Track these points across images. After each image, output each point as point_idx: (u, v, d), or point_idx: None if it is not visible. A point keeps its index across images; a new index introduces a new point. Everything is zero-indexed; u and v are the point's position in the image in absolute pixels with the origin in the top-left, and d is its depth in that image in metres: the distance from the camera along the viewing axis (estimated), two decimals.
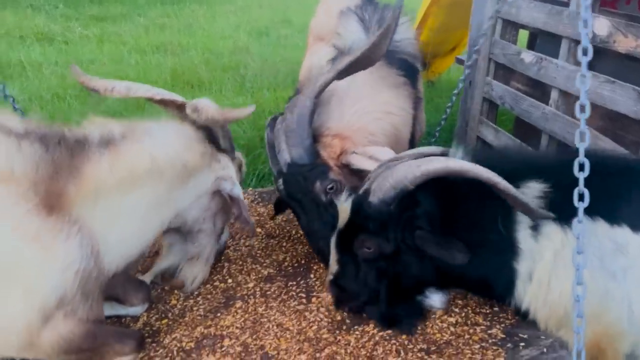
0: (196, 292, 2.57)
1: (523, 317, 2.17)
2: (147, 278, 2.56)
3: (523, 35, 4.30)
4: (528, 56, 3.53)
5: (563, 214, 2.02)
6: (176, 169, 2.07)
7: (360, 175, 2.53)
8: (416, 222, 2.09)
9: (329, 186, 2.48)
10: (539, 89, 3.65)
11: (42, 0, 9.56)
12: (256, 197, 3.42)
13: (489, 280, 2.17)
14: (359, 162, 2.48)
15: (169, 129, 2.16)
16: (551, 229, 2.05)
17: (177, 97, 2.33)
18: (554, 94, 3.33)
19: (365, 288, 2.21)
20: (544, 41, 3.90)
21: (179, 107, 2.31)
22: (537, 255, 2.06)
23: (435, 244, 2.05)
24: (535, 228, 2.04)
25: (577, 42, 3.10)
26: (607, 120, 3.15)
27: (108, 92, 2.25)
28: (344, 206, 2.17)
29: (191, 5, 10.67)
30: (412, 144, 3.15)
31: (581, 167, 1.95)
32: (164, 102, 2.31)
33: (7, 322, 1.73)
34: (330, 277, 2.27)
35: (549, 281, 2.06)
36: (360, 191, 2.15)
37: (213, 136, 2.35)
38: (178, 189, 2.14)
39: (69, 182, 1.78)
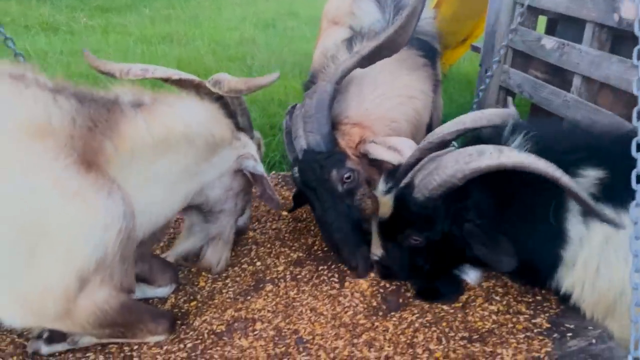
0: (224, 275, 2.45)
1: (563, 301, 2.12)
2: (170, 259, 2.43)
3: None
4: (549, 42, 3.44)
5: (617, 197, 1.93)
6: (205, 139, 2.02)
7: (378, 165, 2.44)
8: (465, 214, 2.00)
9: (346, 175, 2.34)
10: (558, 76, 3.57)
11: None
12: (279, 180, 3.30)
13: (532, 266, 2.09)
14: (378, 152, 2.37)
15: (194, 101, 2.10)
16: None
17: (195, 77, 2.25)
18: (577, 81, 3.25)
19: (410, 269, 2.19)
20: (564, 27, 3.82)
21: (197, 87, 2.24)
22: (586, 241, 1.97)
23: (482, 244, 1.97)
24: (586, 214, 1.94)
25: (602, 26, 3.04)
26: (630, 108, 3.08)
27: (124, 75, 2.16)
28: (385, 199, 2.09)
29: None
30: (430, 130, 3.04)
31: (639, 148, 1.87)
32: (181, 83, 2.23)
33: (45, 285, 1.61)
34: (375, 258, 2.26)
35: (597, 267, 1.97)
36: (403, 184, 2.05)
37: (231, 115, 2.29)
38: (205, 161, 2.08)
39: (106, 138, 1.69)
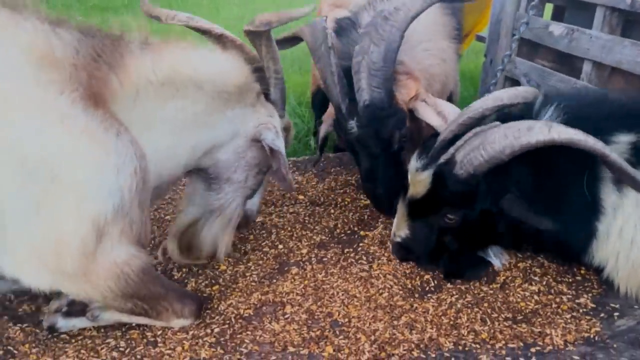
0: (245, 258, 2.25)
1: (597, 272, 2.01)
2: (170, 245, 2.15)
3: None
4: (558, 29, 3.30)
5: None
6: (218, 88, 1.80)
7: (419, 123, 2.32)
8: (507, 189, 1.87)
9: (404, 134, 2.25)
10: (567, 64, 3.44)
11: None
12: (290, 166, 3.11)
13: (566, 239, 1.97)
14: (427, 114, 2.23)
15: (215, 52, 1.91)
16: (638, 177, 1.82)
17: (236, 38, 2.08)
18: (587, 67, 3.12)
19: (435, 250, 2.05)
20: (572, 13, 3.70)
21: (239, 47, 2.07)
22: (619, 211, 1.87)
23: (524, 209, 1.83)
24: (619, 181, 1.81)
25: (613, 9, 2.92)
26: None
27: (169, 20, 2.04)
28: (422, 177, 1.92)
29: None
30: (450, 100, 2.92)
31: None
32: (222, 39, 2.06)
33: (59, 236, 1.42)
34: (398, 239, 2.08)
35: (632, 237, 1.85)
36: (443, 160, 1.88)
37: (264, 82, 2.08)
38: (217, 112, 1.86)
39: (111, 71, 1.52)
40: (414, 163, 2.01)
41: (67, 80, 1.41)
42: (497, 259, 2.12)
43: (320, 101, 3.90)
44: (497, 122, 1.86)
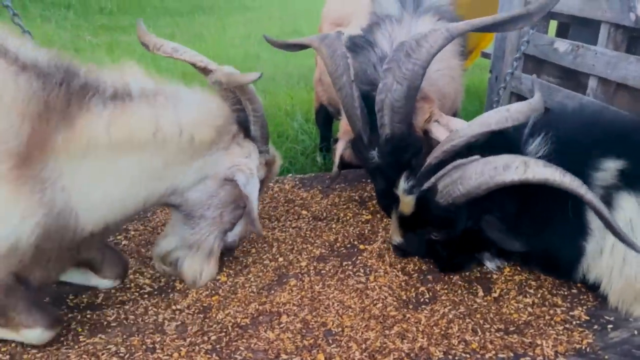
0: (246, 270, 2.38)
1: (592, 291, 2.15)
2: (156, 263, 2.34)
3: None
4: (563, 45, 3.44)
5: (637, 183, 1.95)
6: (181, 144, 1.88)
7: (430, 139, 2.50)
8: (485, 214, 2.05)
9: (420, 159, 2.42)
10: (572, 80, 3.57)
11: (52, 10, 9.48)
12: (297, 182, 3.26)
13: (554, 258, 2.14)
14: (439, 134, 2.42)
15: (194, 99, 1.97)
16: (625, 200, 1.97)
17: (222, 69, 2.16)
18: (592, 83, 3.24)
19: (428, 255, 2.33)
20: (577, 30, 3.84)
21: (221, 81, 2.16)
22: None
23: (498, 230, 2.03)
24: (607, 202, 1.93)
25: (617, 26, 3.05)
26: None
27: (155, 50, 2.17)
28: (408, 199, 2.14)
29: (200, 17, 10.67)
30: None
31: None
32: (206, 71, 2.17)
33: None
34: (395, 243, 2.36)
35: (624, 255, 1.97)
36: (425, 187, 2.08)
37: (245, 120, 2.17)
38: (179, 165, 1.95)
39: (58, 129, 1.64)
40: (402, 184, 2.19)
41: (3, 130, 1.57)
42: (492, 262, 2.29)
43: (323, 117, 4.07)
44: (477, 156, 2.00)
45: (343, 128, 2.76)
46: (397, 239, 2.33)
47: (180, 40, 8.62)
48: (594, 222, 2.01)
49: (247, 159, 2.11)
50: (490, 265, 2.27)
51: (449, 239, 2.17)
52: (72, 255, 1.92)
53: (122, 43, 8.18)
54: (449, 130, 2.36)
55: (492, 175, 1.88)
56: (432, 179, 2.07)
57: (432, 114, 2.46)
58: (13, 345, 1.95)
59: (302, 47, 2.77)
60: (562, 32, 4.16)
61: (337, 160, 2.76)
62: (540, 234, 2.10)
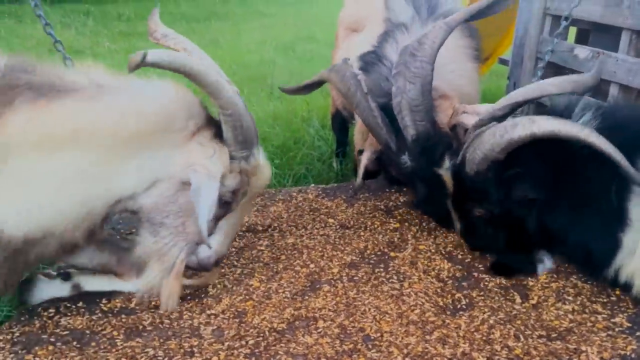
0: (278, 276, 2.40)
1: (624, 289, 2.13)
2: None
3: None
4: (583, 52, 3.42)
5: None
6: (110, 140, 1.73)
7: (457, 134, 2.50)
8: (517, 184, 2.06)
9: (453, 156, 2.40)
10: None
11: (72, 17, 9.65)
12: (320, 192, 3.28)
13: (589, 248, 2.11)
14: (472, 121, 2.35)
15: (144, 93, 1.82)
16: None
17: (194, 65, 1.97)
18: (613, 90, 3.22)
19: (486, 238, 2.34)
20: (597, 37, 3.82)
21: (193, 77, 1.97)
22: None
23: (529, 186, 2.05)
24: None
25: (639, 33, 3.03)
26: None
27: (149, 36, 2.20)
28: (447, 176, 2.22)
29: (216, 23, 10.78)
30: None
31: None
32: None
33: None
34: (459, 230, 2.45)
35: None
36: (458, 160, 2.15)
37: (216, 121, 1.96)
38: (111, 164, 1.77)
39: None
40: (445, 163, 2.30)
41: None
42: (544, 263, 2.32)
43: (339, 123, 4.10)
44: (494, 122, 2.05)
45: (359, 139, 2.77)
46: (457, 224, 2.44)
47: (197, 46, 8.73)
48: (635, 211, 1.97)
49: (207, 161, 1.88)
50: (545, 265, 2.30)
51: (493, 218, 2.20)
52: (17, 262, 1.82)
53: (140, 49, 8.27)
54: (478, 115, 2.35)
55: (502, 134, 1.95)
56: (462, 151, 2.16)
57: (456, 108, 2.47)
58: (51, 348, 1.98)
59: (316, 85, 2.85)
60: (581, 39, 4.15)
61: (361, 171, 2.77)
62: (577, 220, 2.09)
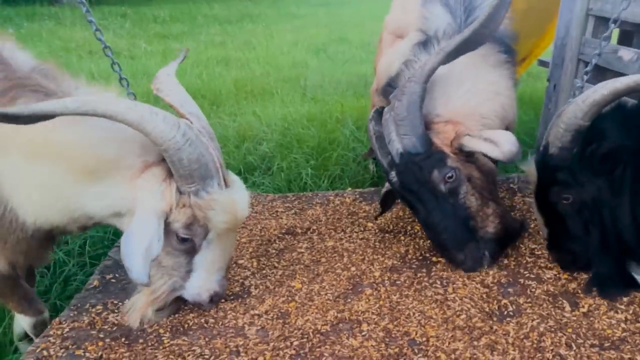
0: (320, 278, 2.41)
1: None
2: None
3: None
4: (628, 54, 3.33)
5: None
6: (69, 163, 1.86)
7: (475, 161, 2.44)
8: (603, 152, 2.00)
9: (448, 175, 2.33)
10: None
11: (110, 19, 9.92)
12: (357, 196, 3.29)
13: None
14: (473, 144, 2.32)
15: (108, 124, 1.87)
16: None
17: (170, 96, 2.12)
18: None
19: (578, 241, 2.22)
20: None
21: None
22: None
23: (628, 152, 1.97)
24: None
25: None
26: None
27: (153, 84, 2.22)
28: (530, 169, 2.16)
29: (248, 25, 10.93)
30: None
31: None
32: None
33: None
34: (546, 241, 2.36)
35: None
36: (540, 148, 2.12)
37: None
38: (78, 187, 1.89)
39: None
40: (528, 160, 2.28)
41: None
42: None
43: None
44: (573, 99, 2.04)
45: None
46: (544, 231, 2.36)
47: (230, 48, 8.86)
48: None
49: (148, 196, 1.90)
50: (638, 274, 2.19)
51: (582, 206, 2.11)
52: (41, 244, 2.11)
53: (175, 50, 8.47)
54: (483, 139, 2.28)
55: (584, 99, 1.94)
56: (544, 137, 2.14)
57: (459, 133, 2.38)
58: (100, 344, 2.04)
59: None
60: (624, 41, 4.05)
61: (382, 197, 2.81)
62: None
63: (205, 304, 2.16)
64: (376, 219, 2.96)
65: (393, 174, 2.43)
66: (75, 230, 2.10)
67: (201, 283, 2.11)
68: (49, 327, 2.18)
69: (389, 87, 2.68)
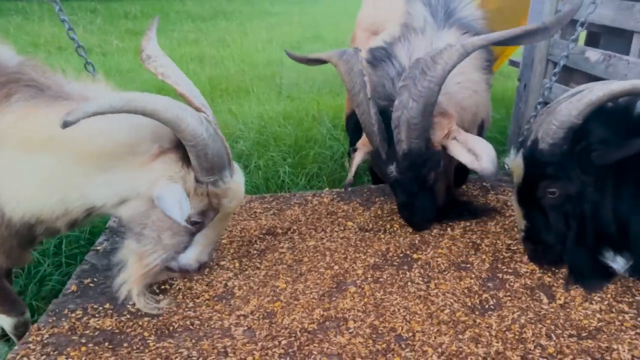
0: (304, 277, 2.42)
1: None
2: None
3: None
4: (594, 54, 3.44)
5: None
6: (79, 153, 1.86)
7: (450, 156, 2.57)
8: (591, 149, 2.06)
9: (438, 171, 2.59)
10: None
11: (79, 14, 9.70)
12: (334, 196, 3.30)
13: None
14: (457, 152, 2.49)
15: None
16: None
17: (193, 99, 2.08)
18: None
19: (556, 235, 2.27)
20: (608, 40, 3.84)
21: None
22: None
23: (616, 149, 2.01)
24: None
25: None
26: None
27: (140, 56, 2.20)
28: (517, 161, 2.22)
29: (222, 22, 10.83)
30: (481, 130, 3.10)
31: None
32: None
33: None
34: (522, 234, 2.40)
35: None
36: (528, 143, 2.18)
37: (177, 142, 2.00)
38: (81, 175, 1.90)
39: None
40: (511, 155, 2.32)
41: None
42: (617, 262, 2.25)
43: (354, 124, 4.11)
44: (565, 96, 2.12)
45: (363, 139, 2.81)
46: (521, 224, 2.37)
47: (203, 46, 8.77)
48: None
49: (169, 175, 1.95)
50: (618, 265, 2.24)
51: (566, 200, 2.17)
52: (23, 244, 2.09)
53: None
54: (467, 149, 2.44)
55: (579, 99, 2.00)
56: (533, 132, 2.20)
57: (451, 131, 2.50)
58: (83, 349, 2.01)
59: (321, 61, 2.86)
60: (591, 42, 4.17)
61: (353, 169, 2.84)
62: None
63: (193, 272, 2.23)
64: (346, 189, 3.07)
65: (392, 168, 2.54)
66: (63, 227, 2.06)
67: (195, 256, 2.18)
68: (27, 333, 2.14)
69: (383, 50, 2.75)
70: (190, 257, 2.15)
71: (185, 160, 1.96)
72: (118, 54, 7.81)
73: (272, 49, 8.89)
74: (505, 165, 2.35)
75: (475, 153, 2.43)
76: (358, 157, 2.79)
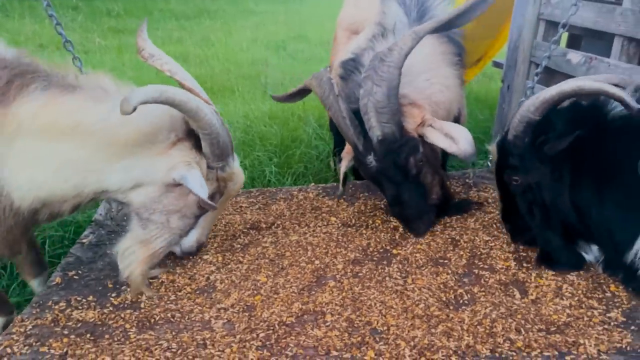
0: (285, 272, 2.49)
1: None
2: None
3: None
4: (576, 57, 3.55)
5: None
6: (102, 140, 1.98)
7: (433, 146, 2.64)
8: (546, 143, 2.24)
9: (419, 159, 2.63)
10: None
11: (60, 12, 9.62)
12: (320, 191, 3.38)
13: (612, 228, 2.23)
14: (434, 137, 2.56)
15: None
16: None
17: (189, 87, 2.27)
18: None
19: (524, 218, 2.48)
20: (589, 43, 3.96)
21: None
22: None
23: (558, 141, 2.21)
24: None
25: (630, 39, 3.17)
26: None
27: (138, 53, 2.39)
28: (493, 147, 2.44)
29: (206, 20, 10.83)
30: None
31: None
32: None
33: None
34: (500, 213, 2.67)
35: None
36: (502, 133, 2.39)
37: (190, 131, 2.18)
38: (102, 162, 2.03)
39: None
40: (494, 140, 2.57)
41: None
42: (589, 253, 2.46)
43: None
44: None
45: (347, 148, 2.88)
46: (499, 204, 2.63)
47: (189, 43, 8.78)
48: None
49: (187, 164, 2.11)
50: (589, 255, 2.43)
51: (529, 189, 2.37)
52: (21, 230, 2.17)
53: (131, 45, 8.32)
54: (443, 134, 2.52)
55: (537, 96, 2.19)
56: (507, 125, 2.39)
57: (425, 119, 2.60)
58: (65, 341, 2.05)
59: (302, 92, 3.02)
60: (573, 44, 4.29)
61: (342, 178, 2.92)
62: (602, 197, 2.22)
63: (193, 253, 2.55)
64: (339, 199, 3.17)
65: (371, 158, 2.60)
66: (67, 210, 2.18)
67: (196, 238, 2.45)
68: (11, 324, 2.17)
69: (352, 62, 2.85)
70: (192, 239, 2.44)
71: (197, 147, 2.15)
72: (100, 52, 7.79)
73: (256, 48, 8.93)
74: (489, 157, 2.52)
75: (452, 137, 2.51)
76: (344, 166, 2.88)
